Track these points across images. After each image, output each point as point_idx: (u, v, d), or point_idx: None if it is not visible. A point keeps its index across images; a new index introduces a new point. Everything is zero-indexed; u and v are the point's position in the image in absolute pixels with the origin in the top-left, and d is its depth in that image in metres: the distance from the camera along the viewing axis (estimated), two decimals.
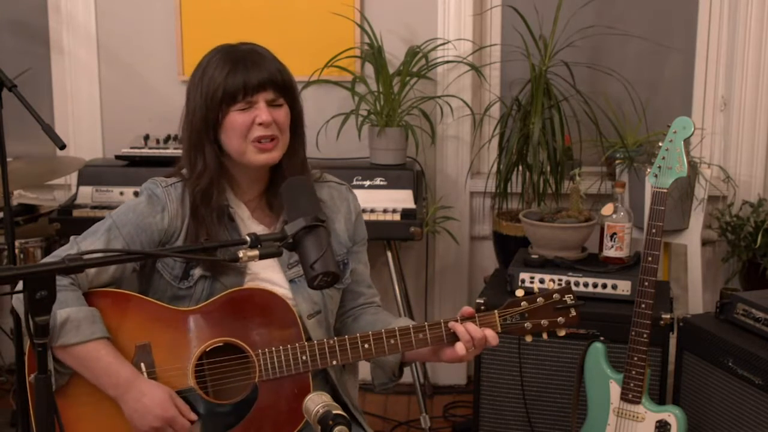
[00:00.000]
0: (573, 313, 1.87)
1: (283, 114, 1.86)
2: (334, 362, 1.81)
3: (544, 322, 1.86)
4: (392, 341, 1.81)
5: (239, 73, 1.81)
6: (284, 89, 1.86)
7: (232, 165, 1.90)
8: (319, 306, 1.91)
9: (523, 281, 2.80)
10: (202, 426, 1.80)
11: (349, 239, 1.99)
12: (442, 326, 1.82)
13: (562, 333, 1.88)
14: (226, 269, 1.85)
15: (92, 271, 1.79)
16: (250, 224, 1.92)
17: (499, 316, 1.85)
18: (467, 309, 1.85)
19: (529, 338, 1.88)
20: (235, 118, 1.82)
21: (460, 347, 1.81)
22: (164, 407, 1.73)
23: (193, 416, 1.77)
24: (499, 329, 1.85)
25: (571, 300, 1.87)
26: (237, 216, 1.90)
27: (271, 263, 1.89)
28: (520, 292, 1.88)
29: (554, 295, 1.87)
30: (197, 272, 1.85)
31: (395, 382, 1.99)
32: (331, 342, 1.80)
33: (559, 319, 1.87)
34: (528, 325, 1.86)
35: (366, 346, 1.81)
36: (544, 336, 1.89)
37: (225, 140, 1.86)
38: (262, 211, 1.94)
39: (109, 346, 1.76)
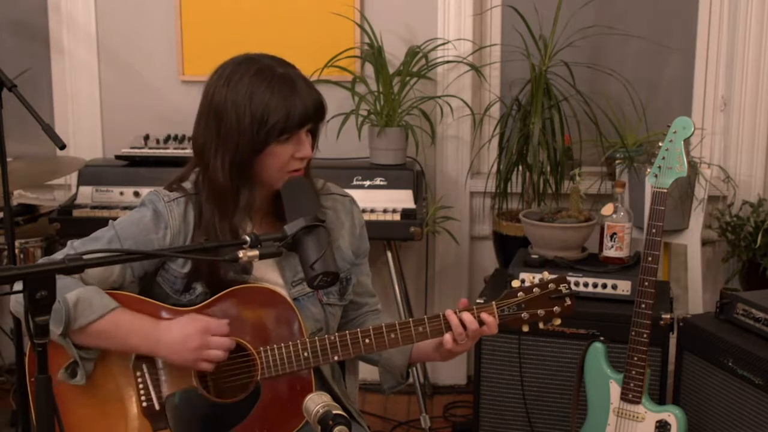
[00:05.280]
0: (568, 302, 1.88)
1: (313, 145, 1.84)
2: (336, 358, 1.81)
3: (541, 311, 1.87)
4: (392, 335, 1.81)
5: (298, 105, 1.75)
6: (323, 118, 1.85)
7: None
8: (321, 324, 1.91)
9: (523, 281, 2.80)
10: (206, 425, 1.80)
11: (353, 255, 1.97)
12: (441, 319, 1.83)
13: (557, 322, 1.89)
14: (227, 286, 1.82)
15: (92, 284, 1.78)
16: None
17: (497, 308, 1.85)
18: (465, 301, 1.86)
19: (525, 328, 1.89)
20: (280, 150, 1.77)
21: (446, 339, 1.81)
22: (195, 322, 1.74)
23: (225, 320, 1.76)
24: (497, 320, 1.86)
25: (567, 289, 1.88)
26: (241, 230, 1.85)
27: (275, 280, 1.87)
28: (516, 283, 1.90)
29: (550, 285, 1.88)
30: (199, 287, 1.83)
31: (403, 384, 2.00)
32: (332, 338, 1.81)
33: (555, 308, 1.88)
34: (525, 315, 1.87)
35: (367, 340, 1.81)
36: (541, 325, 1.89)
37: (259, 167, 1.79)
38: (269, 224, 1.89)
39: (125, 311, 1.76)
